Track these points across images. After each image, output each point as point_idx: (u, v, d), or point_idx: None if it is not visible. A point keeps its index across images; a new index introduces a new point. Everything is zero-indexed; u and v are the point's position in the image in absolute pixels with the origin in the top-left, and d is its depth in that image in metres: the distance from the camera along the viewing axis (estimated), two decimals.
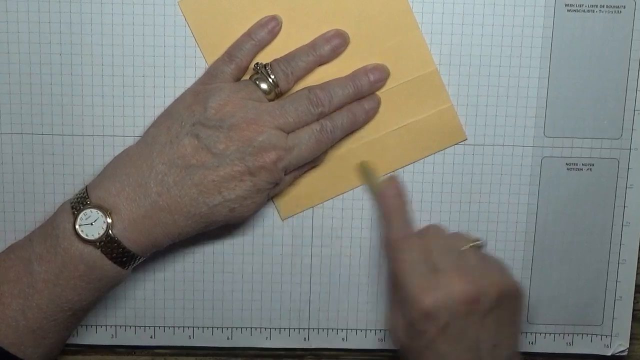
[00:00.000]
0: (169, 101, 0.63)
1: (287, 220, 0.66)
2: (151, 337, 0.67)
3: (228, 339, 0.67)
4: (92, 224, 0.56)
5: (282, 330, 0.67)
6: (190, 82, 0.63)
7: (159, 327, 0.67)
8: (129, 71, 0.63)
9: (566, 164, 0.65)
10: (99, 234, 0.56)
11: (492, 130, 0.65)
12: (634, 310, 0.68)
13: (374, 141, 0.64)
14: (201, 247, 0.66)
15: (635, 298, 0.68)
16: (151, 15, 0.62)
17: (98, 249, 0.56)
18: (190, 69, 0.63)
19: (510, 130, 0.65)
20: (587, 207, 0.66)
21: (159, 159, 0.58)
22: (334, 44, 0.62)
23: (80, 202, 0.57)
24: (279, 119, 0.58)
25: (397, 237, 0.62)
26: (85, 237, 0.56)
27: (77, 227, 0.56)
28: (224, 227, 0.61)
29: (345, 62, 0.63)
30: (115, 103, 0.63)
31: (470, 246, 0.60)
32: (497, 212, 0.66)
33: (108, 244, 0.56)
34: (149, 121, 0.63)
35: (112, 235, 0.56)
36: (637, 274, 0.67)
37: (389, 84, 0.63)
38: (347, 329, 0.68)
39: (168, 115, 0.60)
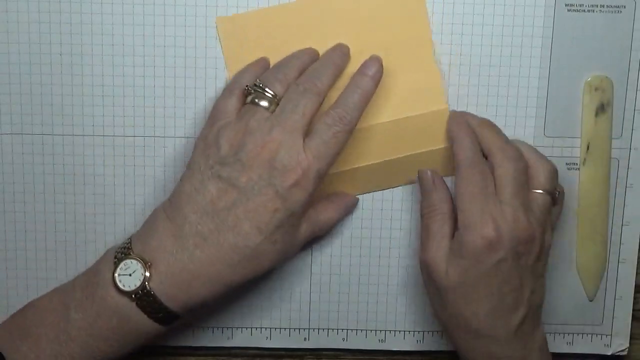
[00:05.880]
0: (169, 101, 0.63)
1: None
2: None
3: (228, 339, 0.67)
4: (130, 274, 0.55)
5: (282, 330, 0.67)
6: (190, 82, 0.63)
7: None
8: (129, 71, 0.63)
9: (566, 164, 0.65)
10: (135, 285, 0.55)
11: None
12: (633, 310, 0.68)
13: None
14: None
15: (635, 298, 0.68)
16: (151, 15, 0.62)
17: (133, 301, 0.55)
18: (191, 69, 0.63)
19: (510, 130, 0.64)
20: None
21: (189, 208, 0.56)
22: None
23: (123, 252, 0.56)
24: (285, 123, 0.56)
25: (466, 155, 0.59)
26: (122, 287, 0.55)
27: (116, 276, 0.55)
28: None
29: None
30: (115, 103, 0.63)
31: (541, 193, 0.60)
32: None
33: (143, 298, 0.55)
34: (148, 121, 0.63)
35: (148, 288, 0.55)
36: (637, 273, 0.67)
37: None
38: (347, 329, 0.67)
39: (188, 167, 0.58)
